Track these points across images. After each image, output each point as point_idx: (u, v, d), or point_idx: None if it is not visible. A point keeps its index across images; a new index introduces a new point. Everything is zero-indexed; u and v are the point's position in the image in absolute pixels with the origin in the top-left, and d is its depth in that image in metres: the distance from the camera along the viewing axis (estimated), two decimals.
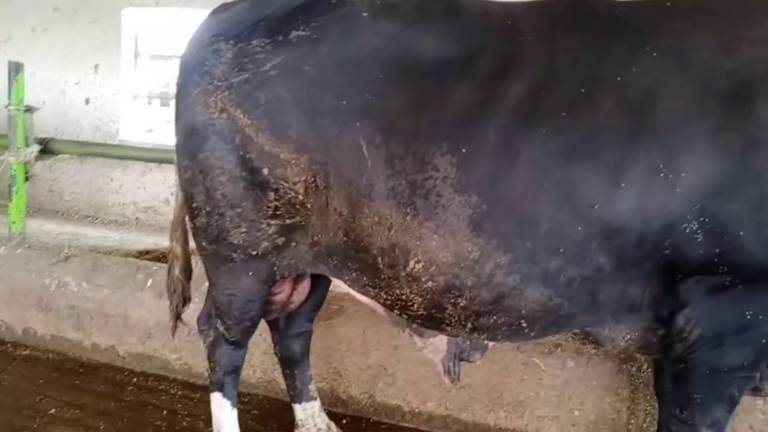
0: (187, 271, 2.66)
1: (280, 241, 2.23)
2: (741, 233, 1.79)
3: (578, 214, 1.85)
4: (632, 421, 2.90)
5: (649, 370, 2.84)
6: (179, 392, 3.51)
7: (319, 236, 2.17)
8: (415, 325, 2.46)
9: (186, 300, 2.68)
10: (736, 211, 1.79)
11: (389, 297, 2.13)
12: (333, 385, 3.36)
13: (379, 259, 2.02)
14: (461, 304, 2.00)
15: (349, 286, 2.27)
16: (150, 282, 3.71)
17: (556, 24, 2.06)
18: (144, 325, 3.69)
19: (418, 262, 1.96)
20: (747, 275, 1.84)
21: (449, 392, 3.17)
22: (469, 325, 2.08)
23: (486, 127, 1.89)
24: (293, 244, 2.24)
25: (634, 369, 2.89)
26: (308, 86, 2.05)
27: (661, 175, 1.80)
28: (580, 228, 1.86)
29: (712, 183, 1.79)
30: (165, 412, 3.29)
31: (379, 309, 2.49)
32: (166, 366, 3.68)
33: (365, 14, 2.08)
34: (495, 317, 2.02)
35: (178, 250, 2.62)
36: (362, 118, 1.98)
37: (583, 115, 1.87)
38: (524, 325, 2.05)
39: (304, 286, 2.69)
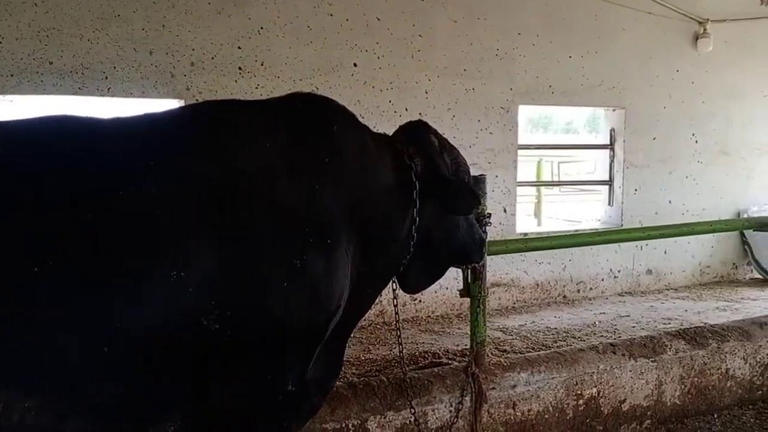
0: None
1: None
2: (246, 316, 2.18)
3: (107, 338, 1.88)
4: None
5: None
6: None
7: None
8: None
9: None
10: (237, 301, 2.16)
11: None
12: None
13: None
14: None
15: None
16: None
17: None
18: None
19: None
20: (255, 346, 2.26)
21: None
22: None
23: None
24: None
25: None
26: None
27: (175, 281, 2.02)
28: (107, 349, 1.89)
29: (216, 280, 2.11)
30: None
31: None
32: None
33: None
34: None
35: None
36: None
37: (91, 244, 1.91)
38: None
39: None
